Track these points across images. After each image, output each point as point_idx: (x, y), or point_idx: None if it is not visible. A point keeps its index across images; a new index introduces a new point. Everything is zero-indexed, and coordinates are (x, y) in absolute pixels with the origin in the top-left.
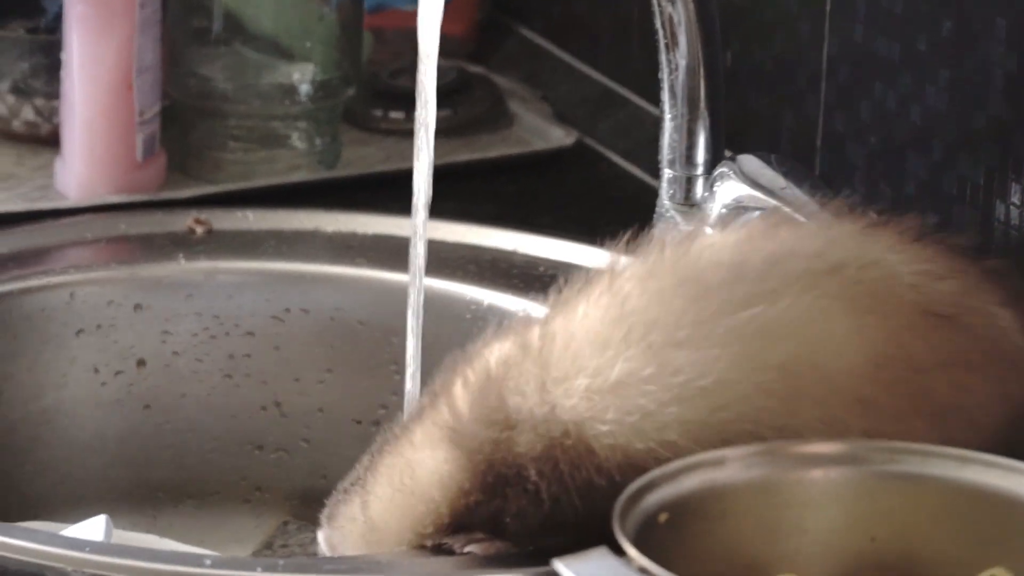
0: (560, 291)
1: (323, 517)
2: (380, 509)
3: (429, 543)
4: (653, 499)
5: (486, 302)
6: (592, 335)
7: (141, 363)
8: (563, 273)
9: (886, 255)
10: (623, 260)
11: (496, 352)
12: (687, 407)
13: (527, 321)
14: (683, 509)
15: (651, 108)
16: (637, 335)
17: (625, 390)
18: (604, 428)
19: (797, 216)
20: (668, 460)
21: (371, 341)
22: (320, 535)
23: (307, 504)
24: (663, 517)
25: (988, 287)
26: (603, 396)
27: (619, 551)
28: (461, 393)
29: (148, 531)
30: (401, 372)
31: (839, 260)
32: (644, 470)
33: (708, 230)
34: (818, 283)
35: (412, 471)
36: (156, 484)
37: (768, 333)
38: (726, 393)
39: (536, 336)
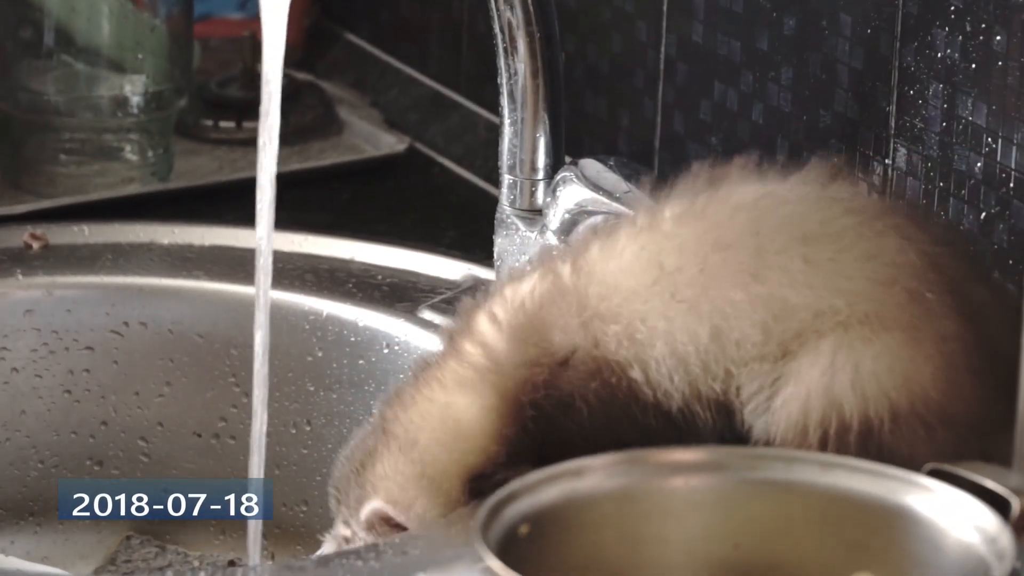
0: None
1: (339, 489)
2: (430, 456)
3: (491, 482)
4: (513, 511)
5: (325, 312)
6: (627, 275)
7: None
8: (401, 280)
9: None
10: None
11: (525, 288)
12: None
13: (552, 257)
14: (544, 521)
15: (482, 112)
16: (668, 280)
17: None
18: (649, 368)
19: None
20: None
21: (210, 354)
22: (369, 507)
23: (149, 518)
24: (524, 529)
25: None
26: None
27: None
28: (492, 332)
29: None
30: (240, 384)
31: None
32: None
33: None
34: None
35: (454, 417)
36: None
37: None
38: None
39: (569, 272)
